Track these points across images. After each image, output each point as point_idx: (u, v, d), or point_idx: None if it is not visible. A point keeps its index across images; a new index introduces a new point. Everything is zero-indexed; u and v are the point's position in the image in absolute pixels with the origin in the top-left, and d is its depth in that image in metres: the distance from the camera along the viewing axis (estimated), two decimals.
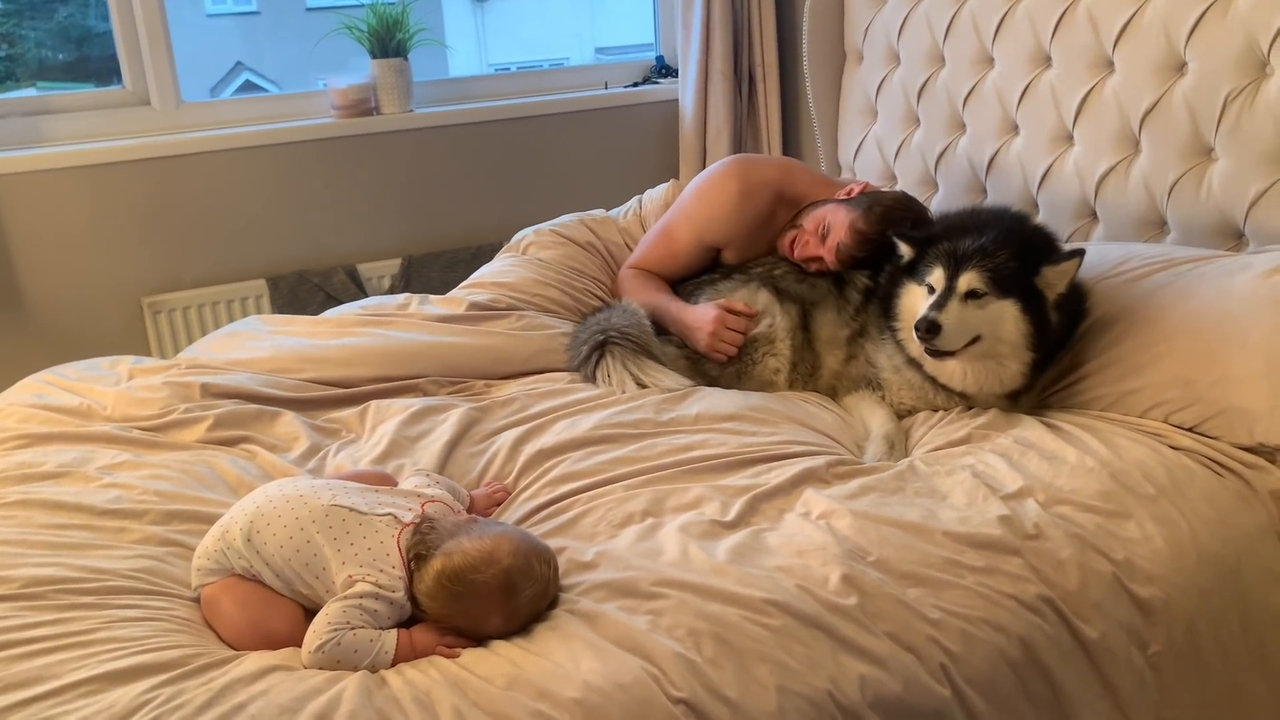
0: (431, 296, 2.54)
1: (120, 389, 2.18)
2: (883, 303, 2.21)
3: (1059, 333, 2.08)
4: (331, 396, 2.20)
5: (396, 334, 2.35)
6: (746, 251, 2.56)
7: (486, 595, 1.44)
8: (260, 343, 2.37)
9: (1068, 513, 1.70)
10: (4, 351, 2.98)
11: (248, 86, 6.98)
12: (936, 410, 2.17)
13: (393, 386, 2.24)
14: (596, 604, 1.49)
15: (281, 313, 3.16)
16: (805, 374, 2.36)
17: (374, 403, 2.15)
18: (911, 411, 2.20)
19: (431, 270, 3.36)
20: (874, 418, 2.16)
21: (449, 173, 3.39)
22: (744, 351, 2.35)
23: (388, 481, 1.77)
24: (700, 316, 2.36)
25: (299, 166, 3.21)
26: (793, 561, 1.57)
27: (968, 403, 2.14)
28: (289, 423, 2.08)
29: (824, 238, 2.37)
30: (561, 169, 3.54)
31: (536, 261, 2.65)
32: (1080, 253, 2.04)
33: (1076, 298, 2.12)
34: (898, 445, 2.06)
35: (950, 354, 2.02)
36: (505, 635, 1.46)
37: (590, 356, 2.29)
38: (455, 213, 3.42)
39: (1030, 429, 1.97)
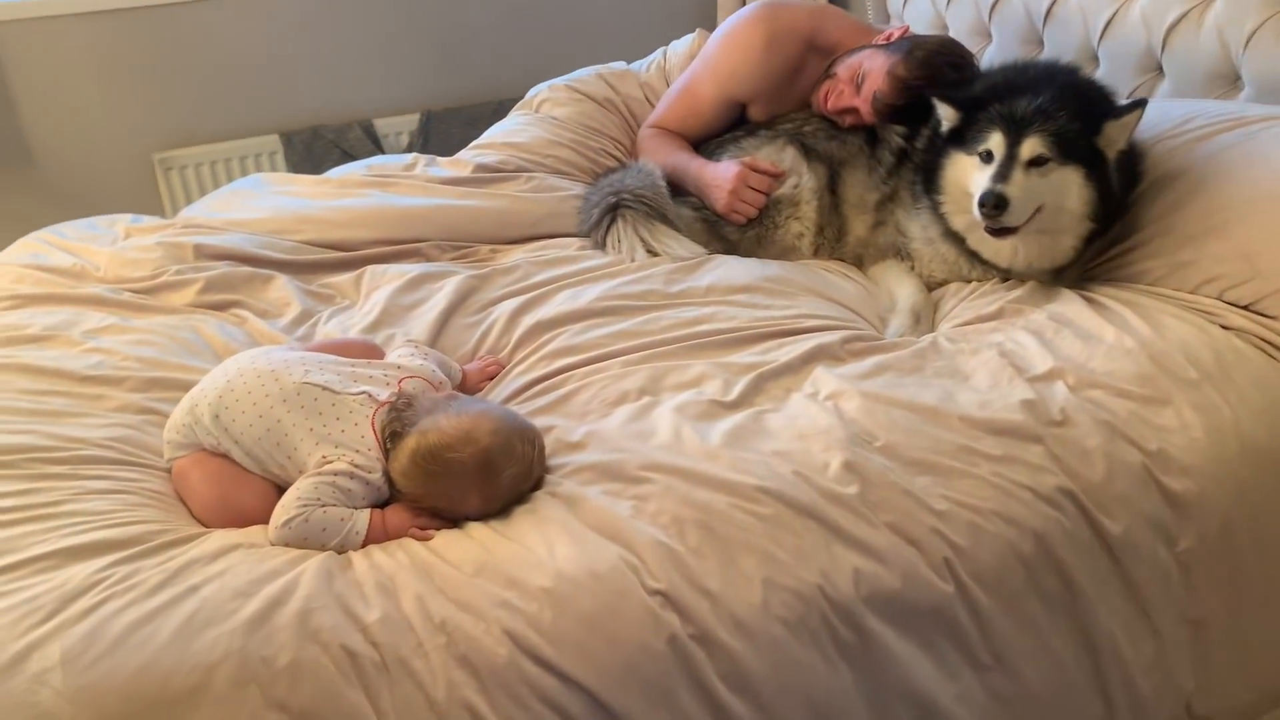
0: (438, 158, 2.40)
1: (114, 249, 2.11)
2: (923, 174, 2.02)
3: (1119, 199, 1.90)
4: (328, 260, 2.10)
5: (398, 196, 2.23)
6: (775, 106, 2.38)
7: (463, 475, 1.36)
8: (260, 202, 2.27)
9: (1099, 397, 1.56)
10: (16, 210, 2.90)
11: None
12: (969, 283, 2.01)
13: (392, 250, 2.13)
14: (580, 487, 1.40)
15: (297, 171, 3.05)
16: (831, 240, 2.21)
17: (370, 268, 2.04)
18: (942, 284, 2.05)
19: (452, 126, 3.21)
20: (901, 289, 2.01)
21: (470, 21, 3.20)
22: (765, 214, 2.20)
23: (373, 353, 1.68)
24: (720, 174, 2.21)
25: (312, 14, 3.05)
26: (792, 446, 1.46)
27: (1007, 276, 1.98)
28: (281, 287, 1.99)
29: (859, 86, 2.18)
30: (590, 17, 3.33)
31: (550, 120, 2.49)
32: (1143, 103, 1.85)
33: (1131, 160, 1.93)
34: (924, 319, 1.92)
35: (1014, 230, 1.84)
36: (483, 517, 1.38)
37: (601, 221, 2.16)
38: (477, 65, 3.25)
39: (1068, 304, 1.82)
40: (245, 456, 1.45)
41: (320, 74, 3.10)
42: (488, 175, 2.30)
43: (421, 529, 1.36)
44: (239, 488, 1.43)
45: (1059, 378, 1.60)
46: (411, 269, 2.01)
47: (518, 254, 2.13)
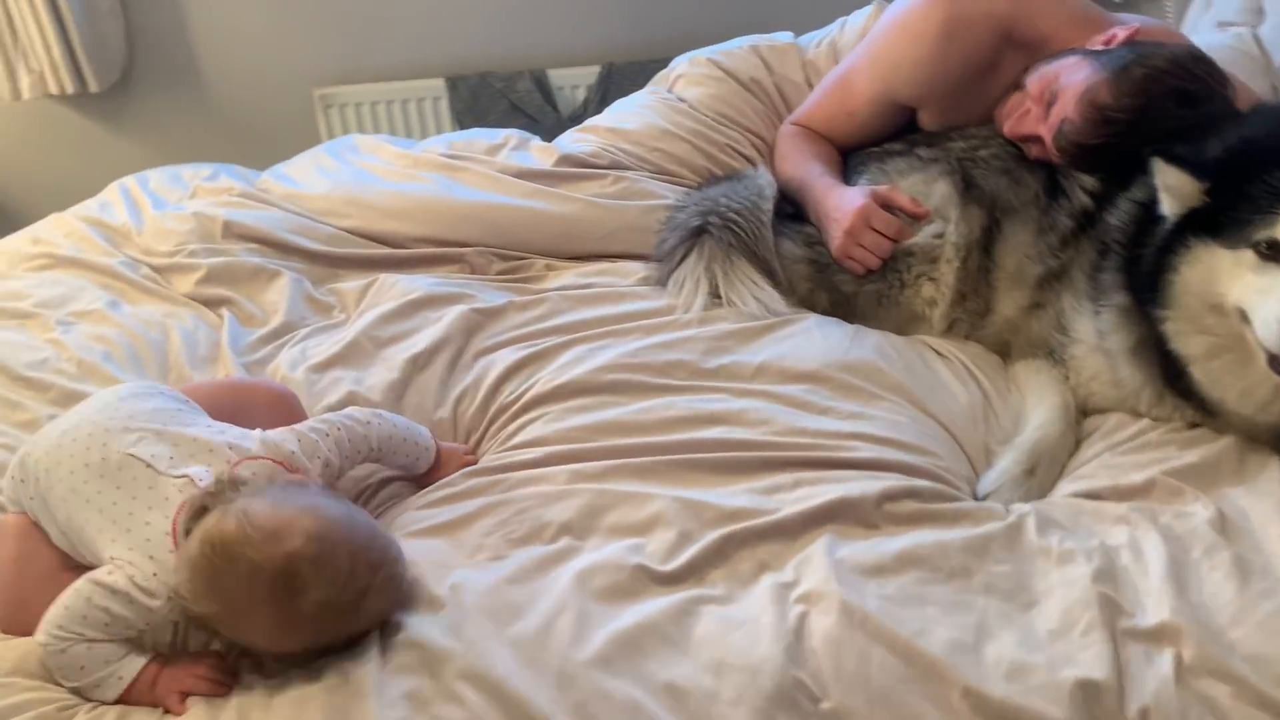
0: (534, 140, 2.02)
1: (160, 213, 1.93)
2: (1128, 269, 1.39)
3: None
4: (353, 257, 1.81)
5: (459, 186, 1.88)
6: (951, 114, 1.78)
7: (252, 582, 1.02)
8: (329, 174, 2.00)
9: (1222, 700, 0.97)
10: (188, 134, 2.86)
11: None
12: (1140, 417, 1.39)
13: (432, 254, 1.81)
14: (382, 677, 1.03)
15: (460, 120, 2.80)
16: (972, 314, 1.63)
17: (382, 278, 1.72)
18: (1100, 411, 1.44)
19: (635, 82, 2.76)
20: (1038, 410, 1.43)
21: None
22: (894, 265, 1.65)
23: (282, 406, 1.37)
24: (842, 205, 1.68)
25: None
26: (696, 683, 1.00)
27: (1199, 422, 1.35)
28: (280, 289, 1.72)
29: (1049, 107, 1.57)
30: None
31: (674, 102, 2.04)
32: None
33: None
34: (1041, 470, 1.34)
35: None
36: (280, 657, 1.05)
37: (677, 248, 1.71)
38: (669, 12, 2.80)
39: (1260, 496, 1.19)
40: (60, 537, 1.19)
41: (493, 12, 2.78)
42: (570, 170, 1.90)
43: (185, 691, 1.05)
44: (44, 588, 1.16)
45: (1170, 644, 1.02)
46: (420, 286, 1.67)
47: (565, 277, 1.74)
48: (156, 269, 1.81)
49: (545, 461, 1.31)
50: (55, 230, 1.94)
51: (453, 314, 1.60)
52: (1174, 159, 1.31)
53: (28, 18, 2.54)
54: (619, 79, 2.81)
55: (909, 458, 1.31)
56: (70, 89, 2.62)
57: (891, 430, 1.36)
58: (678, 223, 1.75)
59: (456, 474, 1.33)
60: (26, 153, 2.84)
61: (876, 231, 1.63)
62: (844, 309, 1.68)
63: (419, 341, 1.55)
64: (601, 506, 1.23)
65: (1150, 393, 1.38)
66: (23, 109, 2.72)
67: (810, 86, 2.04)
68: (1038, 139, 1.60)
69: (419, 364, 1.52)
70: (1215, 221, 1.28)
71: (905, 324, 1.65)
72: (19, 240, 1.94)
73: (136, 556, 1.11)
